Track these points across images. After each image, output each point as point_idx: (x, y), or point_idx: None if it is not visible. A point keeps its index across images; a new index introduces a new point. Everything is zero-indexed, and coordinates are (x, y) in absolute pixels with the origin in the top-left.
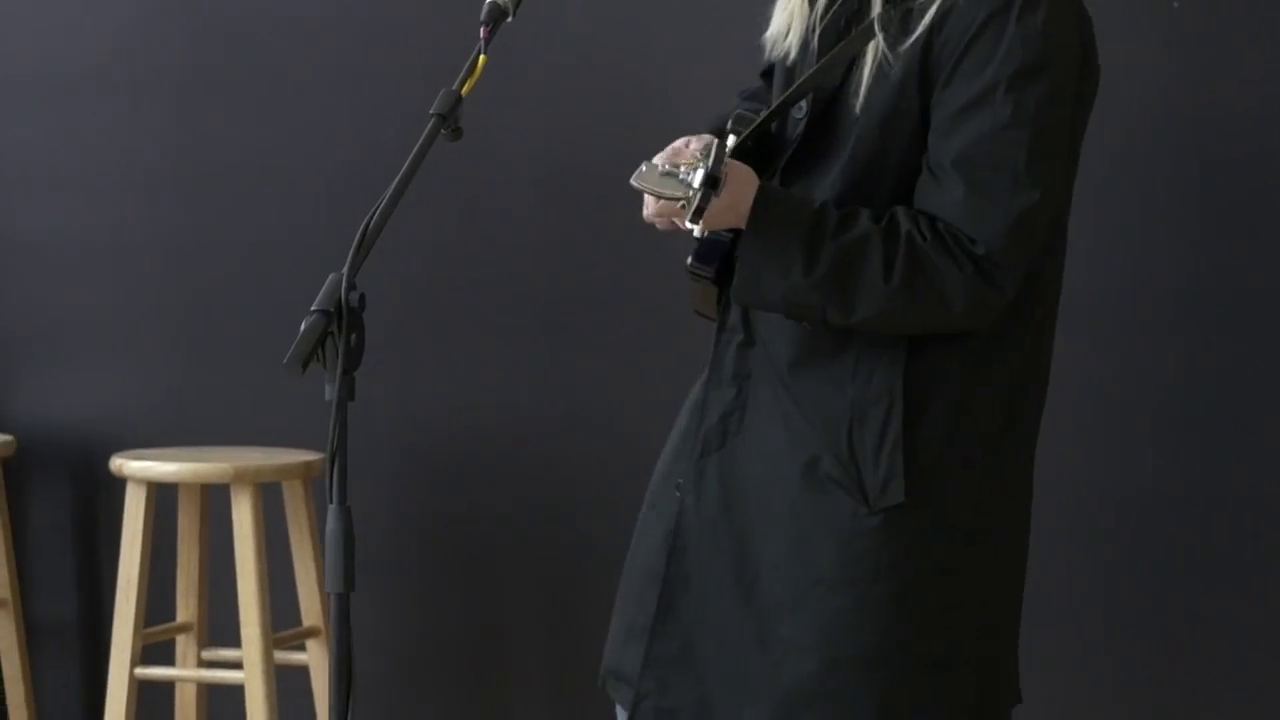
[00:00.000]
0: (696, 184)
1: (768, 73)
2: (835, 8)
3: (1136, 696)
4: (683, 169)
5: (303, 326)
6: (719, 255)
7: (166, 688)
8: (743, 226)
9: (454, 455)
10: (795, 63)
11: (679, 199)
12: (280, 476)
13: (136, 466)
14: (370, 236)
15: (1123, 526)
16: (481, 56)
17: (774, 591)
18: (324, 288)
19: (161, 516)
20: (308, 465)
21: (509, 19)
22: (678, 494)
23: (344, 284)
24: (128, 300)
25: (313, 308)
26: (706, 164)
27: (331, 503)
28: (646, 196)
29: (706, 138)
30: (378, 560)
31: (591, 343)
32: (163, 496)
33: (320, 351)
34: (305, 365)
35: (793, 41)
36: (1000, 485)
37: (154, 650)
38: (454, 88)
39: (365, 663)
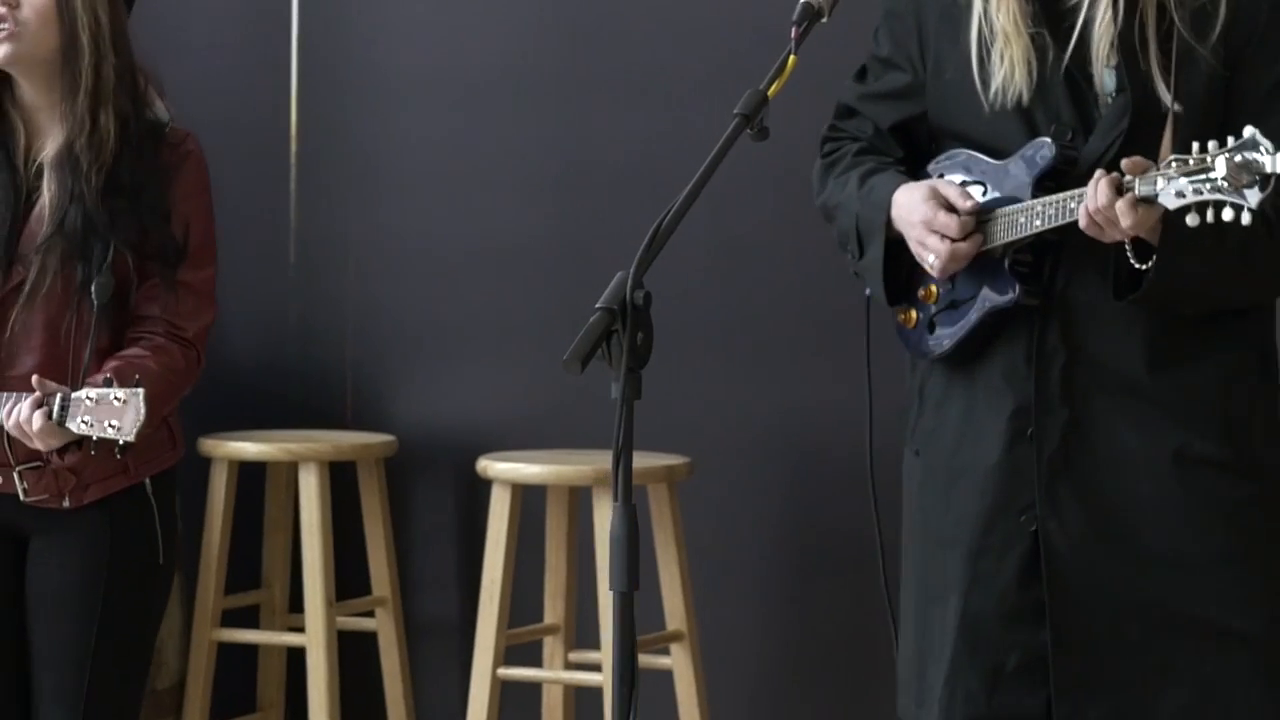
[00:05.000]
0: (1253, 203)
1: (900, 127)
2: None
3: None
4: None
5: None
6: (1038, 281)
7: (534, 688)
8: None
9: (841, 465)
10: (1031, 101)
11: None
12: (643, 480)
13: (501, 468)
14: (661, 236)
15: None
16: (791, 57)
17: (1173, 581)
18: (610, 285)
19: (532, 519)
20: (671, 469)
21: (824, 20)
22: (1031, 527)
23: (629, 282)
24: (507, 303)
25: (597, 305)
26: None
27: (616, 501)
28: (1100, 191)
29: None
30: (762, 560)
31: None
32: (532, 499)
33: (606, 349)
34: (584, 364)
35: (1021, 86)
36: None
37: (524, 651)
38: (760, 88)
39: (737, 665)
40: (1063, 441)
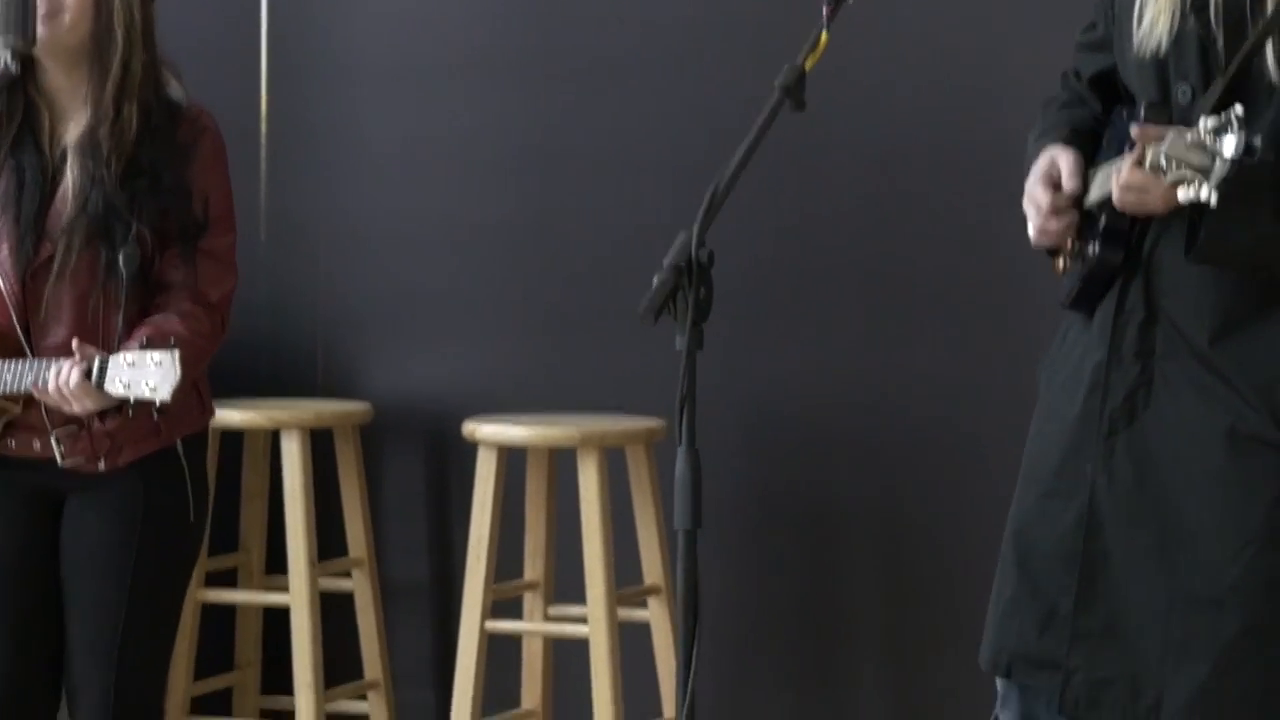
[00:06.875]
0: (1229, 153)
1: (1099, 78)
2: None
3: None
4: (1206, 139)
5: (655, 281)
6: (1123, 241)
7: (514, 643)
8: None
9: (803, 426)
10: (1166, 56)
11: (1203, 167)
12: (625, 441)
13: (489, 431)
14: (719, 198)
15: None
16: (824, 33)
17: (1203, 556)
18: (675, 245)
19: (509, 481)
20: (651, 431)
21: (849, 0)
22: (1088, 477)
23: (694, 241)
24: (479, 275)
25: (665, 263)
26: (1236, 133)
27: (681, 445)
28: (1125, 169)
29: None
30: (720, 519)
31: (940, 324)
32: (511, 461)
33: (671, 304)
34: (657, 316)
35: (1161, 37)
36: None
37: (502, 607)
38: (797, 62)
39: (712, 618)
40: (1127, 398)
